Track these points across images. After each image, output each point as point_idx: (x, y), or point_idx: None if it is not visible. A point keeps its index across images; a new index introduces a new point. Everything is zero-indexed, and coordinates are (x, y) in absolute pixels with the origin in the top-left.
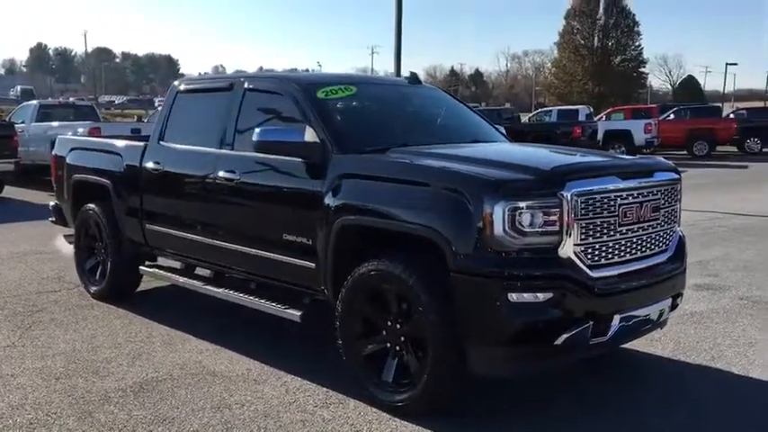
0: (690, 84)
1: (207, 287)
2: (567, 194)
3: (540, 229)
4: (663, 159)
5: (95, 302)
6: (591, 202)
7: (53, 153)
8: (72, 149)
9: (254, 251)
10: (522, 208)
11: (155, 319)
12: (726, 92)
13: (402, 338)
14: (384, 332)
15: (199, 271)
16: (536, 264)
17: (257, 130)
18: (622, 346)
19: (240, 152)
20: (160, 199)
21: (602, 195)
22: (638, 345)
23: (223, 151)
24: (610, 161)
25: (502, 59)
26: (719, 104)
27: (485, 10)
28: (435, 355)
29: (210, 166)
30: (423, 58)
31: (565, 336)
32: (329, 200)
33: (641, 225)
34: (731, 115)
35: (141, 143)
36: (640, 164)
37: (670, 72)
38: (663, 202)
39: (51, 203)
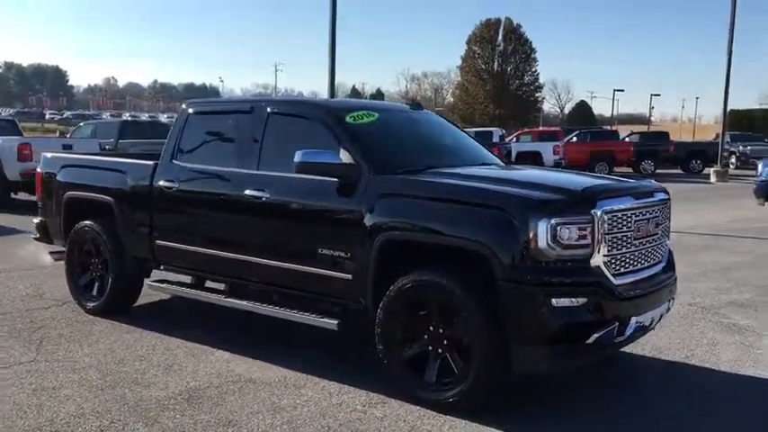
0: (582, 108)
1: (229, 300)
2: (598, 212)
3: (575, 243)
4: (656, 182)
5: (93, 318)
6: (615, 218)
7: (39, 170)
8: (64, 167)
9: (285, 265)
10: (562, 224)
11: (162, 332)
12: (608, 116)
13: (445, 342)
14: (426, 336)
15: (206, 284)
16: (573, 273)
17: (299, 152)
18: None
19: (270, 172)
20: (175, 216)
21: (623, 213)
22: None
23: (249, 171)
24: (625, 183)
25: (402, 80)
26: (616, 129)
27: (386, 32)
28: (481, 356)
29: (234, 185)
30: (325, 75)
31: (595, 336)
32: (370, 217)
33: (648, 239)
34: (626, 139)
35: (149, 162)
36: (645, 186)
37: (559, 96)
38: (661, 218)
39: (35, 220)
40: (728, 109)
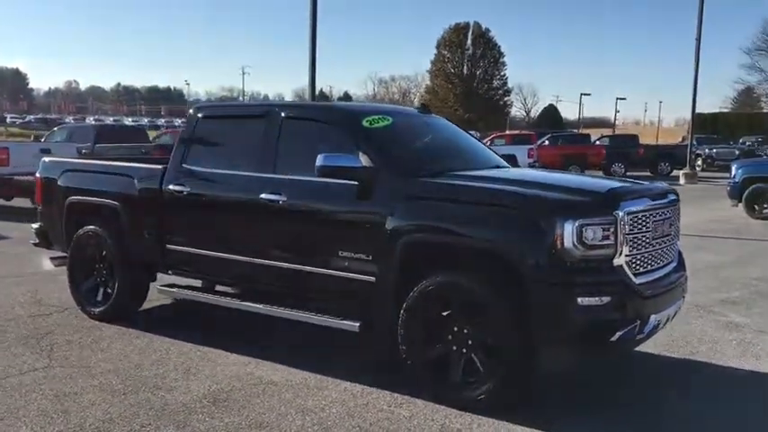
0: (550, 112)
1: (245, 303)
2: (621, 213)
3: (599, 243)
4: (666, 184)
5: (98, 323)
6: (635, 219)
7: (38, 175)
8: (65, 171)
9: (304, 267)
10: (587, 225)
11: (172, 336)
12: (574, 119)
13: (469, 342)
14: (450, 337)
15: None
16: (598, 272)
17: (321, 155)
18: None
19: (286, 176)
20: (186, 220)
21: (642, 214)
22: None
23: (264, 175)
24: (642, 185)
25: (369, 83)
26: (588, 132)
27: (353, 36)
28: (508, 355)
29: (249, 189)
30: (292, 79)
31: (619, 333)
32: (393, 219)
33: (663, 239)
34: (597, 142)
35: (158, 166)
36: (659, 187)
37: (525, 100)
38: (673, 218)
39: (34, 226)
40: (696, 112)
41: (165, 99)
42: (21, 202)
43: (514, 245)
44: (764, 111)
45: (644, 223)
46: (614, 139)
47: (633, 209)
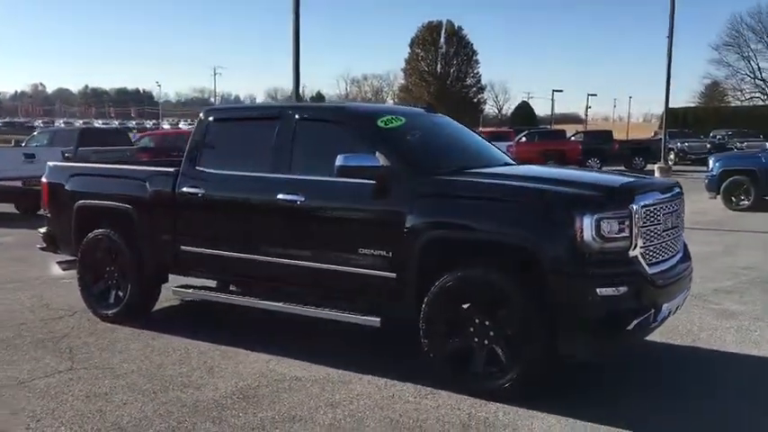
0: (524, 109)
1: (264, 302)
2: (635, 206)
3: (616, 235)
4: (672, 179)
5: (111, 326)
6: (648, 212)
7: (44, 180)
8: (73, 176)
9: (323, 266)
10: (605, 218)
11: (188, 336)
12: (544, 115)
13: (491, 333)
14: (471, 329)
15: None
16: (614, 264)
17: (341, 156)
18: None
19: (302, 176)
20: (201, 222)
21: (654, 207)
22: None
23: (280, 176)
24: (652, 179)
25: (342, 82)
26: (563, 129)
27: (325, 35)
28: (530, 345)
29: (265, 190)
30: (264, 79)
31: (635, 322)
32: (413, 217)
33: (672, 230)
34: (572, 138)
35: (170, 169)
36: (665, 181)
37: (497, 97)
38: (680, 211)
39: (41, 230)
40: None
41: (135, 101)
42: (6, 207)
43: (536, 239)
44: (732, 105)
45: (655, 216)
46: (589, 135)
47: (646, 202)
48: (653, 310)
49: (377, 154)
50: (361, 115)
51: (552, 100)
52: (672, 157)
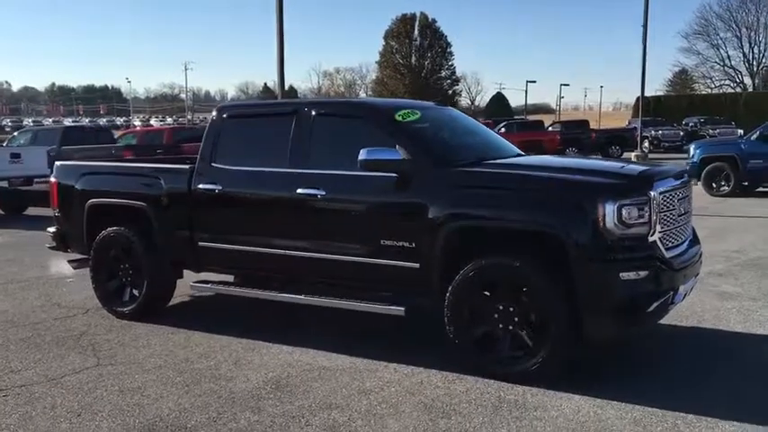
0: (499, 99)
1: (285, 295)
2: (654, 193)
3: (636, 221)
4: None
5: (128, 323)
6: (665, 198)
7: (53, 179)
8: (84, 174)
9: (346, 258)
10: (626, 205)
11: (207, 331)
12: (515, 106)
13: (516, 318)
14: (496, 315)
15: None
16: (635, 249)
17: (364, 150)
18: None
19: (322, 171)
20: (220, 218)
21: (670, 193)
22: None
23: (299, 171)
24: (665, 167)
25: (314, 76)
26: (541, 119)
27: (296, 28)
28: (556, 329)
29: (285, 185)
30: (234, 74)
31: (655, 304)
32: (437, 208)
33: (684, 215)
34: (550, 128)
35: (185, 166)
36: (675, 169)
37: (470, 89)
38: (690, 197)
39: (50, 229)
40: (637, 96)
41: (103, 98)
42: None
43: (560, 226)
44: (703, 92)
45: (671, 202)
46: (566, 125)
47: (663, 189)
48: (671, 293)
49: (397, 147)
50: (379, 109)
51: (526, 90)
52: (646, 144)
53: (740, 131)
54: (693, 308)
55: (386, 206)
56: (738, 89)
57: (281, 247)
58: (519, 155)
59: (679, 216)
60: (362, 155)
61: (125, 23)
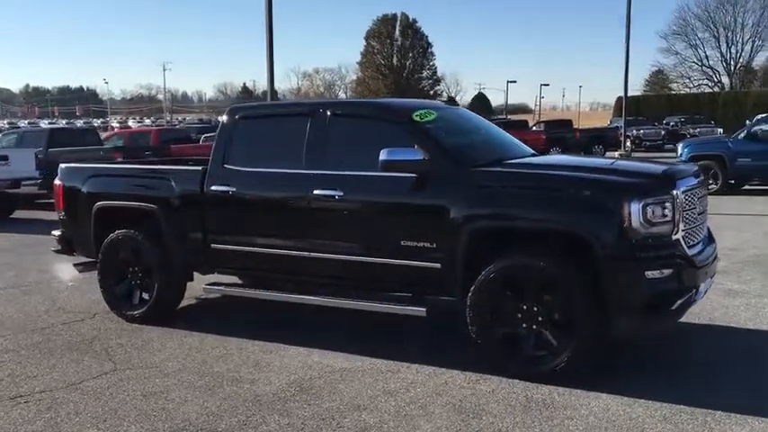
0: (481, 99)
1: (301, 297)
2: (677, 192)
3: (661, 220)
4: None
5: (138, 326)
6: (687, 197)
7: (58, 182)
8: (90, 177)
9: (364, 259)
10: (651, 204)
11: (220, 334)
12: (495, 106)
13: (540, 318)
14: (519, 315)
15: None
16: (660, 247)
17: (385, 150)
18: None
19: (340, 171)
20: (233, 219)
21: (690, 192)
22: None
23: (316, 172)
24: (685, 167)
25: (293, 76)
26: (526, 119)
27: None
28: (582, 327)
29: (301, 186)
30: (212, 75)
31: (679, 301)
32: (458, 208)
33: (703, 214)
34: (534, 128)
35: (197, 167)
36: (693, 167)
37: (449, 89)
38: (706, 196)
39: (56, 233)
40: (617, 96)
41: (79, 99)
42: None
43: (587, 225)
44: (682, 92)
45: (692, 200)
46: (550, 124)
47: (684, 187)
48: (693, 290)
49: (416, 147)
50: (397, 110)
51: (507, 90)
52: (628, 144)
53: (720, 130)
54: (703, 306)
55: (406, 207)
56: (716, 88)
57: (296, 248)
58: (534, 154)
59: (699, 215)
60: (383, 155)
61: (101, 24)
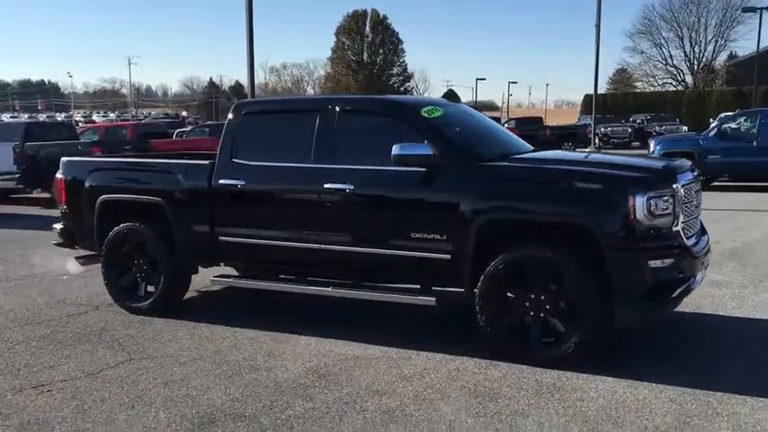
0: (452, 97)
1: (312, 288)
2: (678, 186)
3: (662, 212)
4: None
5: (144, 318)
6: (686, 190)
7: (60, 176)
8: (94, 171)
9: (375, 251)
10: (654, 197)
11: (229, 324)
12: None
13: (547, 306)
14: (527, 304)
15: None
16: (662, 238)
17: (397, 145)
18: None
19: (351, 165)
20: (242, 213)
21: (688, 186)
22: None
23: (327, 165)
24: (680, 162)
25: (261, 72)
26: (498, 116)
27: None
28: (588, 315)
29: (311, 180)
30: (179, 68)
31: (679, 289)
32: (468, 201)
33: (698, 207)
34: (505, 125)
35: (204, 161)
36: (688, 163)
37: (417, 85)
38: (700, 190)
39: (57, 226)
40: (585, 94)
41: (40, 93)
42: None
43: (594, 218)
44: (647, 90)
45: (690, 193)
46: (521, 122)
47: (683, 181)
48: (692, 279)
49: (426, 143)
50: (407, 106)
51: (476, 88)
52: (596, 141)
53: (685, 128)
54: (690, 296)
55: (416, 200)
56: (680, 87)
57: (306, 239)
58: (534, 150)
59: (695, 207)
60: (396, 150)
61: (62, 17)
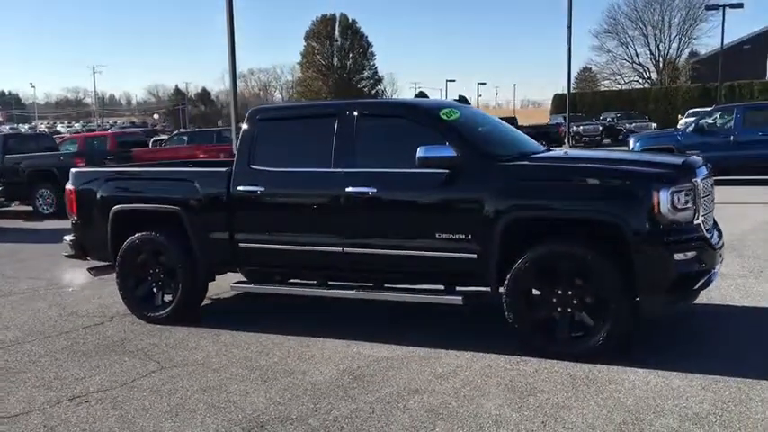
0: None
1: (334, 291)
2: (697, 180)
3: (684, 206)
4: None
5: (164, 327)
6: (704, 185)
7: (70, 187)
8: (106, 181)
9: (400, 252)
10: (677, 191)
11: (252, 330)
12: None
13: (574, 301)
14: (554, 299)
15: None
16: (684, 231)
17: (421, 147)
18: None
19: (372, 169)
20: (263, 218)
21: (706, 180)
22: None
23: (347, 169)
24: (697, 158)
25: (227, 78)
26: None
27: (207, 29)
28: (616, 308)
29: (333, 184)
30: (143, 77)
31: (701, 282)
32: (493, 201)
33: (713, 202)
34: None
35: (222, 169)
36: (701, 159)
37: (385, 89)
38: (714, 185)
39: (68, 238)
40: (554, 94)
41: (0, 104)
42: None
43: (620, 213)
44: (615, 89)
45: (707, 188)
46: None
47: (702, 176)
48: (713, 271)
49: (447, 144)
50: (426, 109)
51: (446, 90)
52: (568, 139)
53: (654, 125)
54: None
55: (440, 201)
56: (647, 85)
57: (329, 243)
58: (548, 149)
59: (711, 201)
60: (421, 152)
61: (22, 26)
